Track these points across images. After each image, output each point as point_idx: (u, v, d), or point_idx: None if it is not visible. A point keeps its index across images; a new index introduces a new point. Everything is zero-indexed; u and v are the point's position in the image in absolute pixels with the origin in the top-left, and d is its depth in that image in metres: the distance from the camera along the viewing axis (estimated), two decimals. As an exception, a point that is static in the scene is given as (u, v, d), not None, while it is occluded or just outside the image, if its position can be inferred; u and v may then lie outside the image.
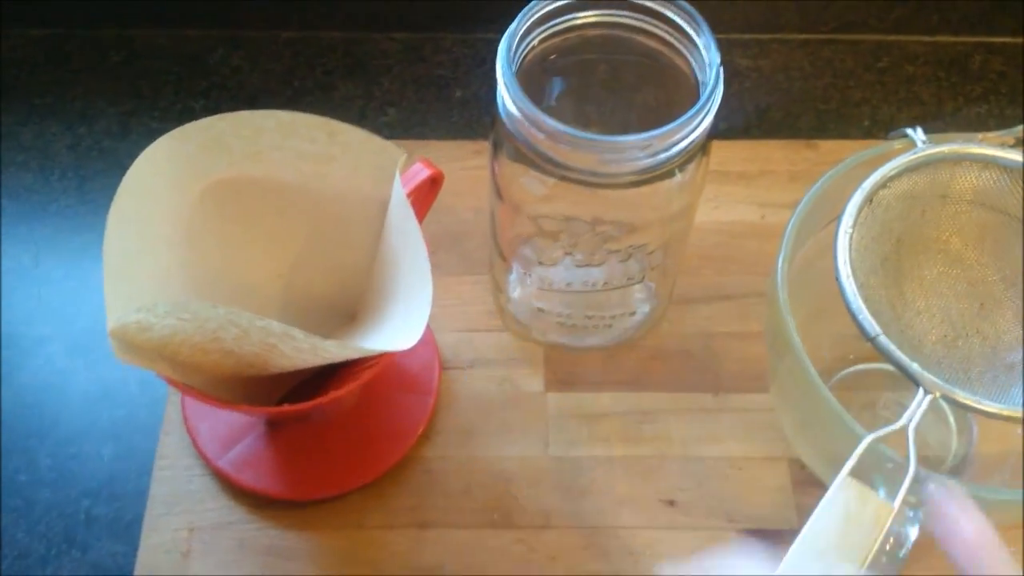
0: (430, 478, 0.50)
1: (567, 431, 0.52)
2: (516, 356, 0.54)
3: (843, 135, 0.63)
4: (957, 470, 0.50)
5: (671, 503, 0.50)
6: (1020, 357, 0.43)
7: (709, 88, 0.40)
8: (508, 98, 0.40)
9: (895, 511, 0.36)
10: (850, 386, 0.53)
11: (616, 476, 0.51)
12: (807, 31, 0.67)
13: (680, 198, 0.45)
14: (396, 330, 0.42)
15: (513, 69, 0.42)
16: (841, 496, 0.36)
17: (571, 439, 0.52)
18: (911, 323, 0.44)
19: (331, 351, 0.40)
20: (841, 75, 0.66)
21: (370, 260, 0.48)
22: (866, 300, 0.42)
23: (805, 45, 0.67)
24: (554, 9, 0.42)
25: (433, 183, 0.49)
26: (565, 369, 0.54)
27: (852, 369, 0.53)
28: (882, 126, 0.64)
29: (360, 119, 0.64)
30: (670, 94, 0.45)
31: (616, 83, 0.47)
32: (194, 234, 0.47)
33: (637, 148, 0.39)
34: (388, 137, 0.63)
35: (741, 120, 0.64)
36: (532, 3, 0.42)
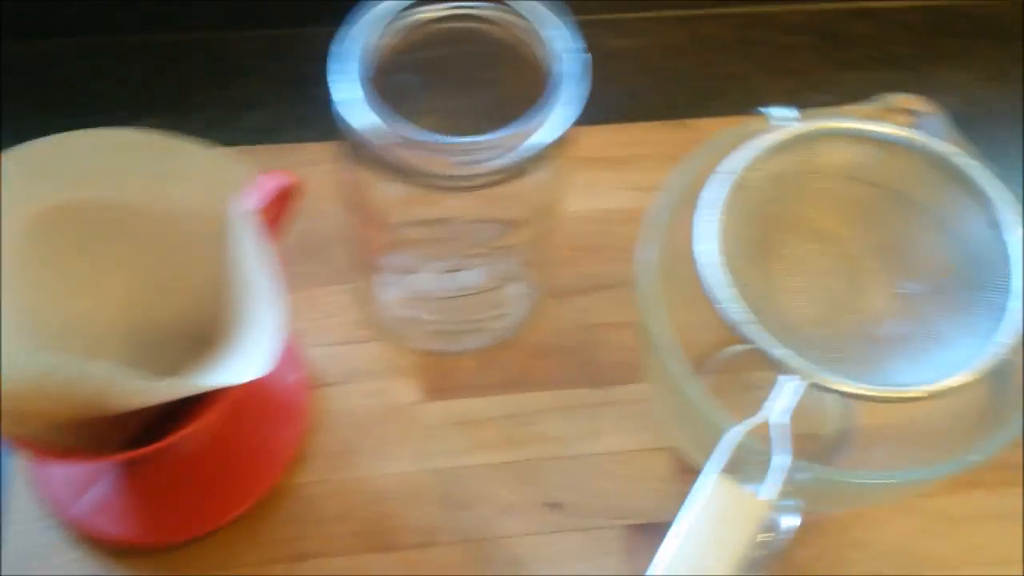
0: (305, 506, 0.48)
1: (446, 441, 0.50)
2: (390, 367, 0.52)
3: (719, 112, 0.62)
4: (839, 444, 0.49)
5: (556, 506, 0.48)
6: (891, 331, 0.42)
7: (559, 82, 0.38)
8: (344, 103, 0.38)
9: (769, 506, 0.35)
10: (739, 367, 0.52)
11: (498, 483, 0.49)
12: (681, 7, 0.66)
13: (545, 192, 0.43)
14: (243, 360, 0.39)
15: (356, 70, 0.40)
16: (710, 494, 0.35)
17: (450, 449, 0.50)
18: (786, 305, 0.43)
19: (163, 391, 0.37)
20: (716, 49, 0.65)
21: (223, 282, 0.45)
22: (738, 285, 0.41)
23: (681, 21, 0.66)
24: (389, 7, 0.40)
25: (291, 194, 0.46)
26: (441, 376, 0.52)
27: (738, 349, 0.52)
28: (756, 99, 0.61)
29: (219, 126, 0.61)
30: (537, 87, 0.43)
31: (478, 78, 0.45)
32: (24, 266, 0.43)
33: (487, 149, 0.37)
34: (250, 143, 0.61)
35: (616, 103, 0.62)
36: (366, 8, 0.39)
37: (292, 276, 0.53)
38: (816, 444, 0.50)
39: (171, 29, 0.64)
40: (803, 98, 0.63)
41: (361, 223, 0.43)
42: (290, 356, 0.50)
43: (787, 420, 0.35)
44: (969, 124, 0.64)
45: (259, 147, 0.58)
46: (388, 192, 0.40)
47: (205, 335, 0.47)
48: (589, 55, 0.39)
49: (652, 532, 0.47)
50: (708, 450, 0.38)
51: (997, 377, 0.42)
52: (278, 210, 0.45)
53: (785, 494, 0.37)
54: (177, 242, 0.45)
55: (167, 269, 0.45)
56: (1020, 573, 0.47)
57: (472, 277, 0.45)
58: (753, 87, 0.63)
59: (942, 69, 0.65)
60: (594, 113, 0.62)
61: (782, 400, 0.37)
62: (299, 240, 0.55)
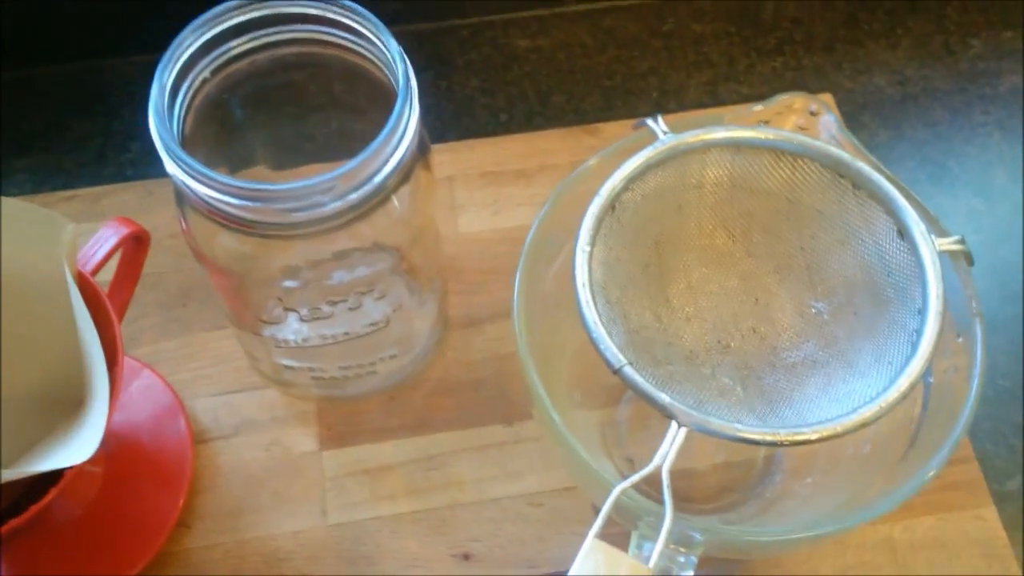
0: (192, 573, 0.44)
1: (347, 493, 0.46)
2: (284, 414, 0.48)
3: (631, 113, 0.58)
4: (771, 471, 0.46)
5: (466, 557, 0.45)
6: (800, 355, 0.39)
7: (396, 111, 0.34)
8: (162, 150, 0.34)
9: (651, 572, 0.32)
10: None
11: (404, 535, 0.45)
12: (582, 0, 0.62)
13: (406, 224, 0.39)
14: (81, 438, 0.36)
15: (178, 112, 0.36)
16: (589, 563, 0.32)
17: (352, 501, 0.46)
18: (680, 332, 0.40)
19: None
20: (625, 45, 0.61)
21: (77, 342, 0.42)
22: (625, 315, 0.38)
23: (586, 17, 0.62)
24: (203, 45, 0.36)
25: (138, 242, 0.42)
26: (341, 421, 0.48)
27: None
28: (672, 96, 0.59)
29: (99, 159, 0.57)
30: (383, 108, 0.40)
31: (322, 105, 0.41)
32: None
33: (319, 192, 0.33)
34: (131, 177, 0.57)
35: (521, 110, 0.59)
36: (173, 46, 0.35)
37: (171, 322, 0.51)
38: (750, 471, 0.47)
39: (40, 62, 0.60)
40: (722, 92, 0.60)
41: (209, 275, 0.40)
42: (169, 411, 0.47)
43: (666, 474, 0.32)
44: (902, 104, 0.61)
45: (140, 183, 0.55)
46: (230, 246, 0.37)
47: (78, 396, 0.44)
48: (412, 78, 0.36)
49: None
50: (602, 502, 0.34)
51: (924, 395, 0.39)
52: (128, 260, 0.41)
53: (678, 552, 0.34)
54: (19, 305, 0.41)
55: (17, 332, 0.42)
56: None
57: (338, 326, 0.42)
58: (668, 84, 0.59)
59: (871, 49, 0.61)
60: (496, 123, 0.59)
61: (674, 447, 0.33)
62: (181, 281, 0.52)
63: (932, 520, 0.45)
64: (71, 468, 0.36)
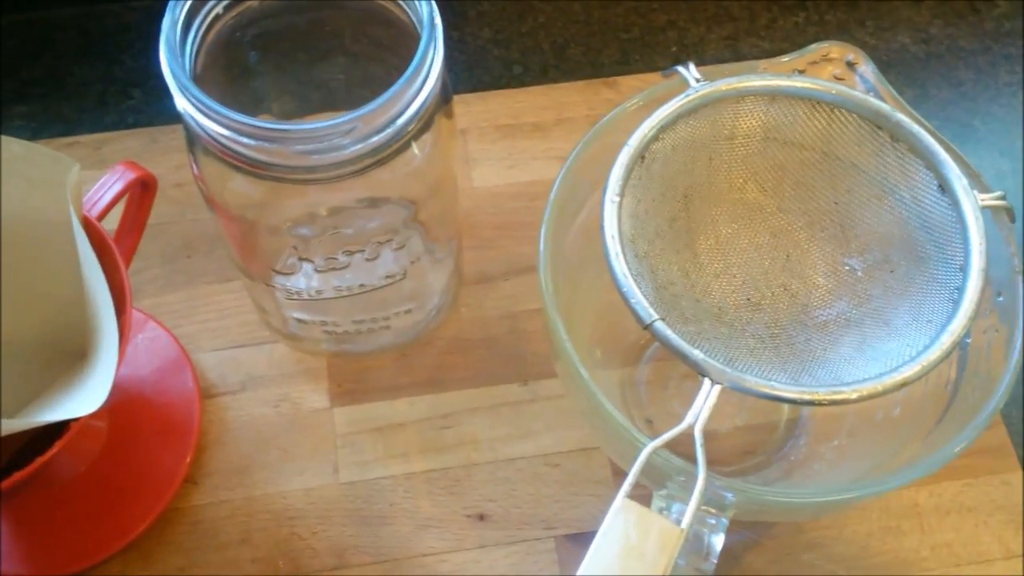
0: (200, 530, 0.43)
1: (359, 450, 0.45)
2: (294, 370, 0.47)
3: (649, 66, 0.56)
4: (794, 434, 0.45)
5: (481, 517, 0.44)
6: (833, 313, 0.38)
7: (420, 51, 0.33)
8: (173, 86, 0.32)
9: (685, 533, 0.30)
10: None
11: (418, 495, 0.44)
12: (602, -50, 0.60)
13: (426, 173, 0.38)
14: (85, 390, 0.34)
15: (190, 50, 0.34)
16: (619, 523, 0.31)
17: (364, 459, 0.45)
18: (709, 288, 0.38)
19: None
20: (644, -3, 0.59)
21: (81, 290, 0.40)
22: (652, 270, 0.36)
23: (603, -34, 0.60)
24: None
25: (145, 187, 0.41)
26: (352, 378, 0.47)
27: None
28: (691, 50, 0.57)
29: (100, 106, 0.55)
30: (406, 55, 0.38)
31: (338, 49, 0.39)
32: None
33: (339, 134, 0.32)
34: (133, 124, 0.56)
35: (536, 62, 0.57)
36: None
37: (175, 274, 0.49)
38: (773, 434, 0.46)
39: (41, 6, 0.58)
40: (743, 47, 0.58)
41: (221, 223, 0.38)
42: (175, 365, 0.45)
43: (699, 433, 0.31)
44: (926, 64, 0.60)
45: (141, 130, 0.53)
46: (244, 191, 0.35)
47: (80, 347, 0.43)
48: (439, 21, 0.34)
49: (586, 543, 0.42)
50: (628, 461, 0.33)
51: (961, 356, 0.38)
52: (133, 206, 0.39)
53: (708, 514, 0.33)
54: (22, 248, 0.39)
55: (19, 278, 0.40)
56: (993, 573, 0.43)
57: (353, 277, 0.40)
58: (687, 37, 0.58)
59: (895, 5, 0.59)
60: (509, 75, 0.58)
61: (707, 405, 0.32)
62: (186, 232, 0.50)
63: (958, 485, 0.44)
64: (77, 421, 0.35)
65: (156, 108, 0.55)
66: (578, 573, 0.30)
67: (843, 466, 0.41)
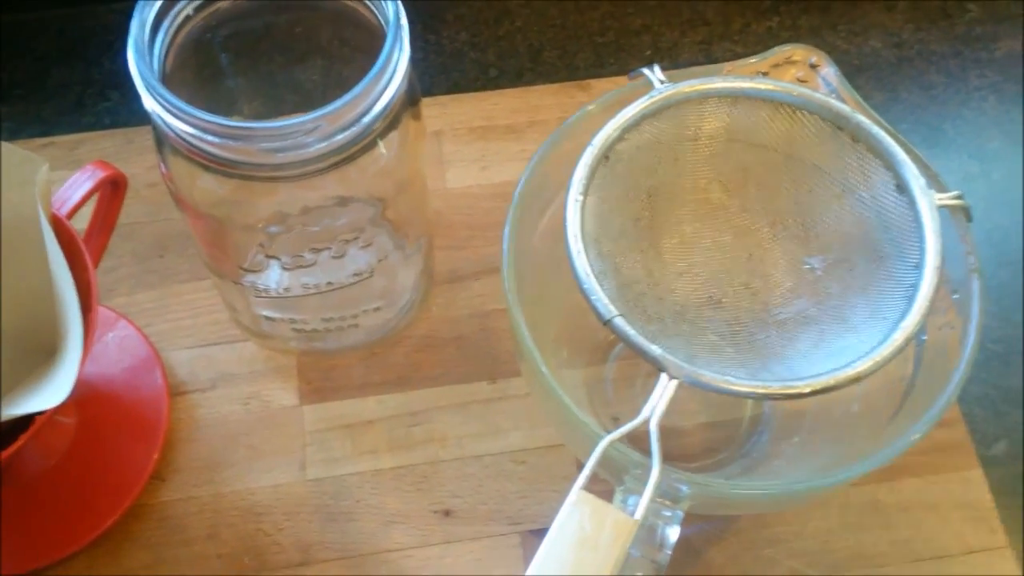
0: (167, 526, 0.43)
1: (327, 448, 0.46)
2: (264, 368, 0.47)
3: (623, 70, 0.57)
4: (758, 429, 0.46)
5: (447, 513, 0.44)
6: (793, 311, 0.38)
7: (385, 51, 0.33)
8: (140, 85, 0.33)
9: (639, 524, 0.31)
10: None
11: (384, 491, 0.45)
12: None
13: (392, 173, 0.38)
14: (54, 382, 0.34)
15: (159, 51, 0.35)
16: (575, 515, 0.31)
17: (332, 456, 0.45)
18: (672, 287, 0.39)
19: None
20: (619, 1, 0.60)
21: (50, 287, 0.40)
22: (616, 268, 0.37)
23: (579, -29, 0.61)
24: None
25: (115, 186, 0.41)
26: (322, 376, 0.47)
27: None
28: (665, 54, 0.58)
29: (78, 108, 0.56)
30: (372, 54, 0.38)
31: (309, 52, 0.40)
32: None
33: (303, 132, 0.32)
34: (110, 125, 0.56)
35: (512, 65, 0.57)
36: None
37: (148, 273, 0.49)
38: (736, 431, 0.46)
39: (22, 8, 0.58)
40: (716, 51, 0.59)
41: (189, 220, 0.38)
42: (145, 363, 0.45)
43: (655, 427, 0.31)
44: (897, 67, 0.60)
45: (119, 131, 0.53)
46: (211, 189, 0.36)
47: (50, 345, 0.43)
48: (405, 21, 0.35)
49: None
50: (588, 456, 0.33)
51: (917, 353, 0.39)
52: (104, 205, 0.40)
53: (664, 506, 0.33)
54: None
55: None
56: (952, 572, 0.43)
57: (321, 275, 0.41)
58: (662, 41, 0.58)
59: (867, 10, 0.60)
60: (485, 78, 0.58)
61: (664, 400, 0.33)
62: (158, 231, 0.50)
63: (919, 482, 0.45)
64: (43, 413, 0.35)
65: (132, 110, 0.56)
66: (533, 561, 0.30)
67: (804, 462, 0.41)
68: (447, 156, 0.53)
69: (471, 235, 0.51)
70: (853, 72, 0.58)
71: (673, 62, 0.58)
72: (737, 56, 0.59)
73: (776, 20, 0.60)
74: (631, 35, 0.59)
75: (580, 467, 0.44)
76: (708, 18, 0.59)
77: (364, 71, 0.34)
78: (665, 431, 0.32)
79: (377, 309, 0.44)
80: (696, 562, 0.42)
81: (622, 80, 0.56)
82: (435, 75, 0.57)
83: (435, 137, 0.54)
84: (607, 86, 0.55)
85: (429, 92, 0.56)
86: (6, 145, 0.38)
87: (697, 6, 0.59)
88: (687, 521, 0.35)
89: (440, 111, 0.55)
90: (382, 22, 0.36)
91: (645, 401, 0.32)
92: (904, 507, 0.44)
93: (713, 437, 0.45)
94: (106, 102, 0.56)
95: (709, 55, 0.58)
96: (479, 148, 0.53)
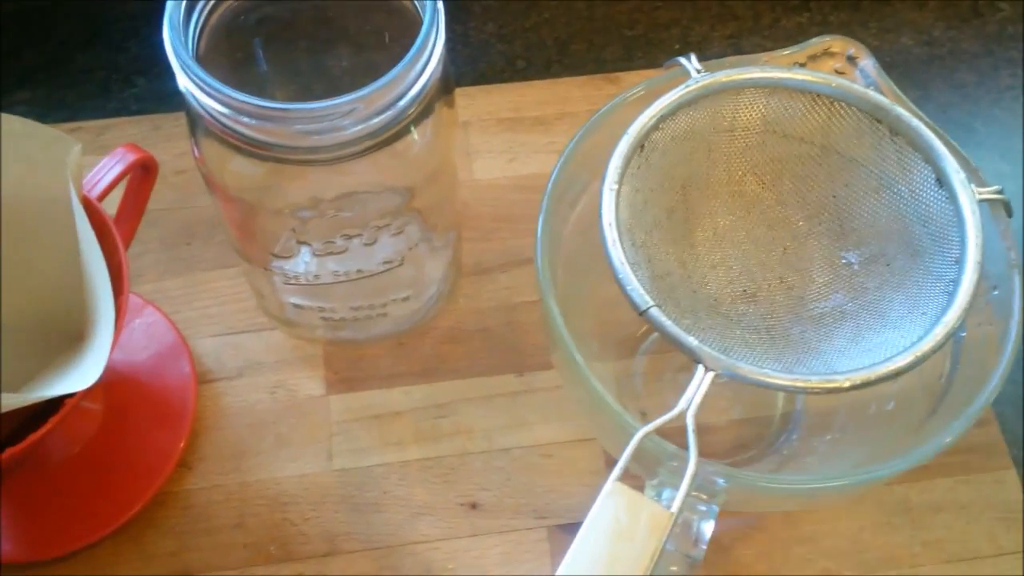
0: (192, 514, 0.43)
1: (353, 438, 0.45)
2: (290, 357, 0.47)
3: (652, 63, 0.57)
4: (789, 427, 0.45)
5: (473, 506, 0.44)
6: (829, 306, 0.38)
7: (422, 34, 0.33)
8: (176, 64, 0.33)
9: (675, 517, 0.30)
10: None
11: (411, 483, 0.44)
12: (607, -52, 0.60)
13: (424, 159, 0.38)
14: (83, 366, 0.34)
15: (193, 31, 0.34)
16: (610, 506, 0.31)
17: (358, 447, 0.45)
18: (705, 280, 0.38)
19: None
20: (648, -6, 0.59)
21: (80, 269, 0.40)
22: (649, 260, 0.36)
23: (608, -36, 0.60)
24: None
25: (146, 170, 0.41)
26: (349, 366, 0.47)
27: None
28: (694, 48, 0.57)
29: (103, 93, 0.56)
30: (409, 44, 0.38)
31: (341, 37, 0.40)
32: None
33: (339, 115, 0.32)
34: (135, 112, 0.56)
35: (539, 57, 0.57)
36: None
37: (175, 260, 0.49)
38: (767, 428, 0.46)
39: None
40: (746, 46, 0.59)
41: (220, 204, 0.38)
42: (172, 350, 0.45)
43: (691, 419, 0.31)
44: (928, 65, 0.60)
45: (143, 117, 0.53)
46: (245, 172, 0.35)
47: (78, 328, 0.43)
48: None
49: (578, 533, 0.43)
50: (621, 449, 0.33)
51: (955, 350, 0.38)
52: (134, 189, 0.40)
53: (699, 500, 0.33)
54: (22, 227, 0.39)
55: (17, 257, 0.40)
56: (984, 573, 0.42)
57: (351, 262, 0.40)
58: (691, 35, 0.58)
59: (898, 7, 0.60)
60: (512, 70, 0.58)
61: (700, 392, 0.32)
62: (185, 218, 0.50)
63: (951, 482, 0.44)
64: (72, 397, 0.35)
65: (159, 96, 0.56)
66: (568, 553, 0.30)
67: (836, 460, 0.41)
68: (474, 147, 0.53)
69: (497, 227, 0.51)
70: (884, 69, 0.57)
71: (702, 56, 0.57)
72: (767, 51, 0.59)
73: (806, 16, 0.59)
74: (660, 29, 0.58)
75: (608, 462, 0.45)
76: (738, 13, 0.59)
77: (396, 60, 0.34)
78: (695, 426, 0.32)
79: (405, 299, 0.44)
80: (726, 559, 0.42)
81: (650, 73, 0.55)
82: (462, 66, 0.57)
83: (463, 128, 0.53)
84: (636, 79, 0.54)
85: (456, 83, 0.55)
86: (36, 124, 0.38)
87: (727, 2, 0.59)
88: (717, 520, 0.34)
89: (468, 102, 0.54)
90: (417, 7, 0.36)
91: (677, 398, 0.32)
92: (936, 507, 0.44)
93: (743, 434, 0.45)
94: (132, 88, 0.56)
95: (738, 49, 0.58)
96: (507, 140, 0.53)
